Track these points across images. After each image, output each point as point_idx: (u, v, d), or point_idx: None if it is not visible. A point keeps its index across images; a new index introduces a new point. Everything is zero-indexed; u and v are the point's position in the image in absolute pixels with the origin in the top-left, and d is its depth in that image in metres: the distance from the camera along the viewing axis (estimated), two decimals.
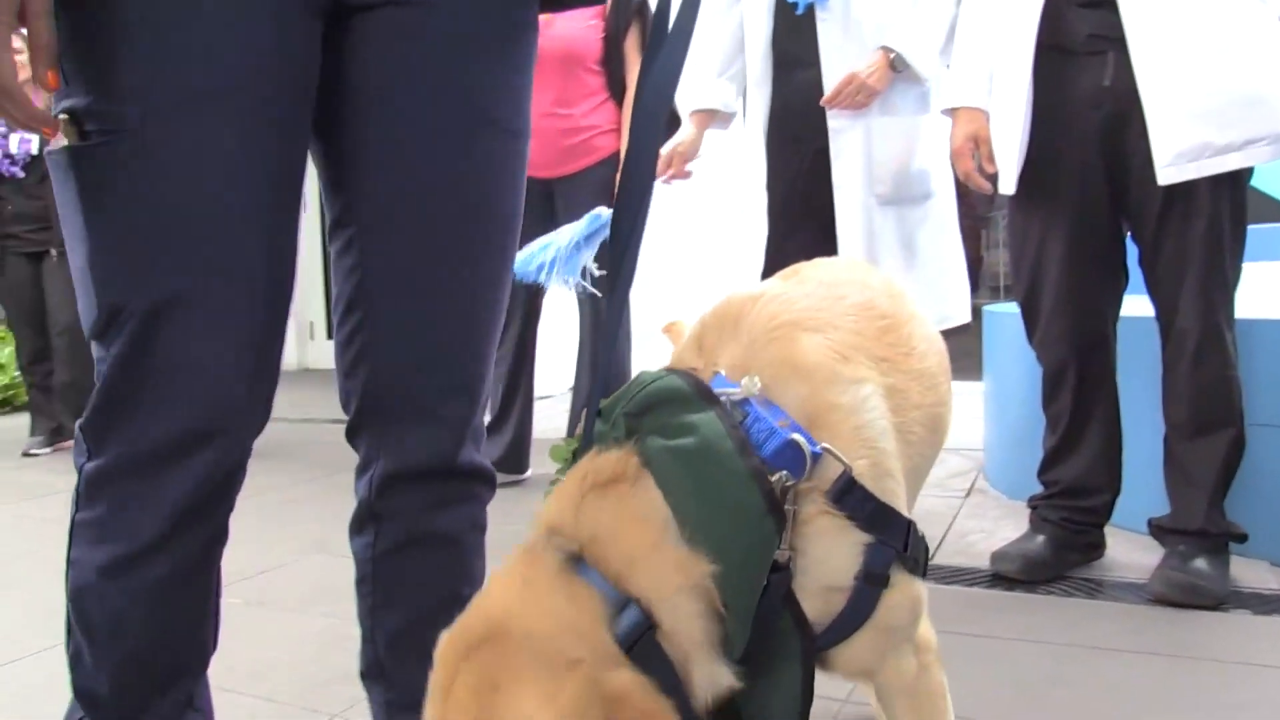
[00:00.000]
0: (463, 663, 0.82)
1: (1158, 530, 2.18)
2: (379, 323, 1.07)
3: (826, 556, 0.90)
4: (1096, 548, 2.33)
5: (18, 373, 5.08)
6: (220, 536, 1.05)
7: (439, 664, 0.83)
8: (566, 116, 3.19)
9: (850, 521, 0.91)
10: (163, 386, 0.95)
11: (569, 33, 3.15)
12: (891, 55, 2.46)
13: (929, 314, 2.50)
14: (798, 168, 2.54)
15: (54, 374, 4.54)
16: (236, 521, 1.07)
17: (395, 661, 1.15)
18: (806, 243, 2.42)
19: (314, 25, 1.00)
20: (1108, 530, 2.37)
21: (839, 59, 2.46)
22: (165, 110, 0.89)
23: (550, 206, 3.24)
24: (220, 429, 0.97)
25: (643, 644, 0.81)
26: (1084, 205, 2.16)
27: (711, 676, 0.85)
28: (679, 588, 0.84)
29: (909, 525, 0.94)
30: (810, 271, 1.22)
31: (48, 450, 4.51)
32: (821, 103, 2.47)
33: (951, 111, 2.33)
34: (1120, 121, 2.07)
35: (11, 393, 5.97)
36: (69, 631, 1.04)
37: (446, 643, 0.84)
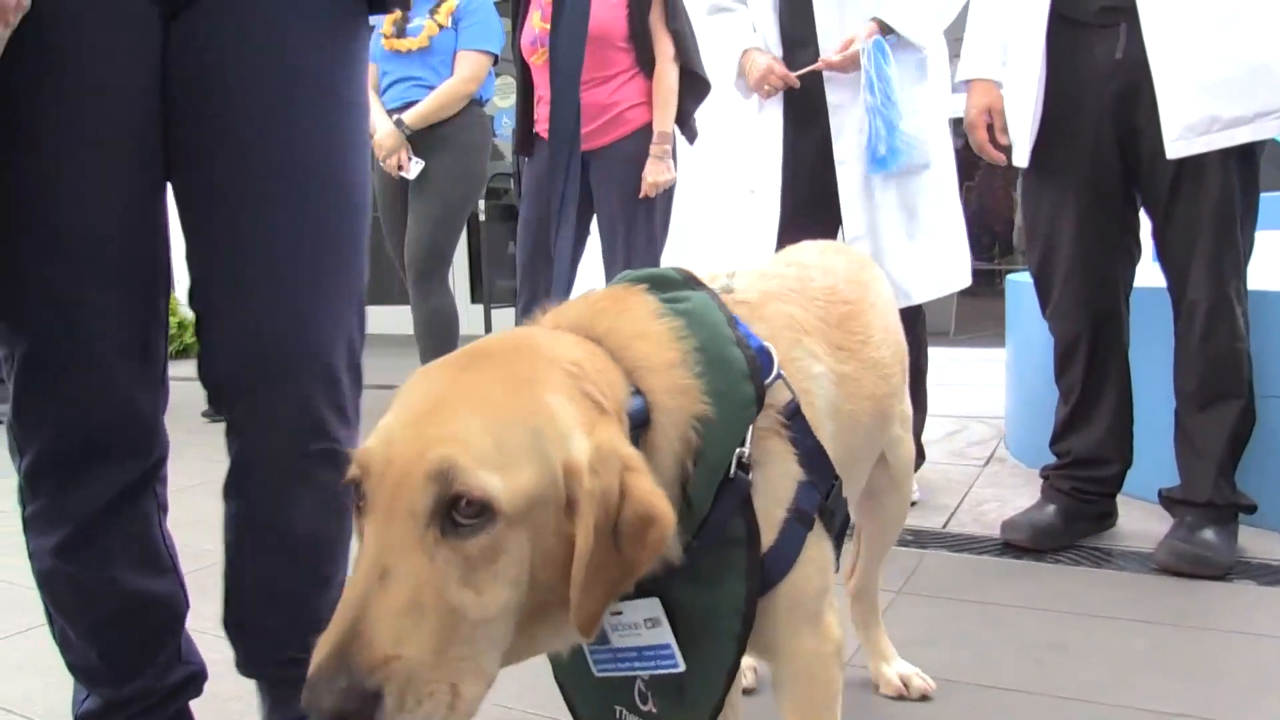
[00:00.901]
0: (484, 360, 0.81)
1: (1167, 501, 2.21)
2: (223, 300, 1.11)
3: (771, 478, 0.93)
4: (1107, 517, 2.36)
5: None
6: (158, 508, 1.14)
7: (432, 368, 0.82)
8: (597, 92, 3.24)
9: (793, 450, 0.94)
10: (60, 397, 1.01)
11: (595, 14, 3.18)
12: (881, 25, 2.46)
13: (930, 282, 2.53)
14: (808, 147, 2.56)
15: None
16: None
17: (255, 615, 1.23)
18: (817, 221, 2.45)
19: (144, 27, 1.02)
20: (1120, 500, 2.40)
21: (837, 37, 2.47)
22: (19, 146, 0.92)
23: (585, 178, 3.29)
24: (118, 439, 1.05)
25: (641, 439, 0.82)
26: (1096, 177, 2.17)
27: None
28: (679, 408, 0.86)
29: (836, 481, 0.98)
30: (788, 254, 1.27)
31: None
32: (815, 66, 2.48)
33: (966, 83, 2.35)
34: (1132, 94, 2.07)
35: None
36: (50, 619, 1.14)
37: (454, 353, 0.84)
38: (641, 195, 3.22)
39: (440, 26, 3.61)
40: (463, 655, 0.71)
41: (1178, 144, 1.99)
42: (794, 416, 0.95)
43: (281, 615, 1.22)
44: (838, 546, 1.04)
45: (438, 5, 3.64)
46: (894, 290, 2.05)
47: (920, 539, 2.41)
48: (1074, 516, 2.31)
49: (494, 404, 0.76)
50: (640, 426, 0.84)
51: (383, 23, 3.69)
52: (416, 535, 0.71)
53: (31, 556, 1.10)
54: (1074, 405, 2.31)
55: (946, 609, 1.99)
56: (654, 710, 0.95)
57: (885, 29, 2.44)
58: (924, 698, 1.60)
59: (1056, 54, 2.14)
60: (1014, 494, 2.71)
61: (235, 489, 1.18)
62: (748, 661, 1.55)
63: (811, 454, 0.95)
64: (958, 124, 2.49)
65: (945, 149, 2.57)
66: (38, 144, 0.94)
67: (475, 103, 3.74)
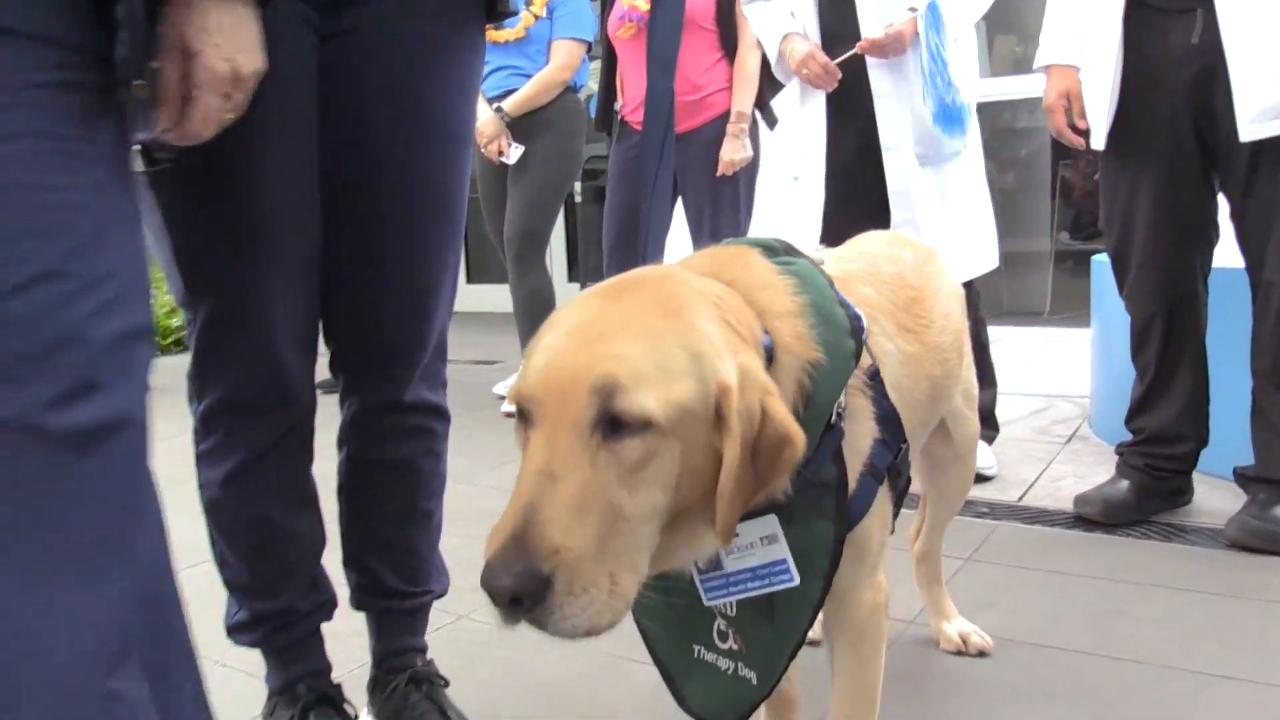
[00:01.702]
0: (637, 287, 0.90)
1: (1242, 478, 2.25)
2: (356, 300, 1.33)
3: (854, 432, 1.02)
4: (1181, 494, 2.40)
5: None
6: (306, 455, 1.35)
7: (587, 295, 0.90)
8: (683, 77, 3.35)
9: (872, 409, 1.05)
10: (232, 357, 1.22)
11: None
12: (918, 15, 2.52)
13: (964, 264, 2.61)
14: (851, 136, 2.65)
15: None
16: None
17: (365, 555, 1.44)
18: (863, 212, 2.52)
19: (311, 51, 1.20)
20: (1199, 478, 2.43)
21: (877, 30, 2.55)
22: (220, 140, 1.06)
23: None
24: (276, 393, 1.26)
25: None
26: (1173, 161, 2.21)
27: None
28: (798, 353, 0.94)
29: (905, 444, 1.10)
30: (855, 243, 1.39)
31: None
32: (858, 47, 2.56)
33: (1045, 69, 2.40)
34: (1208, 78, 2.10)
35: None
36: (212, 542, 1.36)
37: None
38: (719, 174, 3.34)
39: (536, 17, 3.78)
40: (620, 550, 0.80)
41: (1251, 127, 2.02)
42: (874, 378, 1.06)
43: (386, 552, 1.42)
44: (897, 510, 1.17)
45: None
46: None
47: (995, 511, 2.49)
48: (1147, 493, 2.36)
49: (651, 326, 0.85)
50: (765, 366, 0.93)
51: None
52: (581, 443, 0.80)
53: (201, 488, 1.31)
54: (1149, 384, 2.36)
55: (1012, 576, 2.09)
56: (735, 647, 1.05)
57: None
58: (981, 654, 1.71)
59: (1133, 39, 2.18)
60: (1092, 471, 2.76)
61: (349, 438, 1.41)
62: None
63: (887, 415, 1.06)
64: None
65: (975, 136, 2.66)
66: (229, 152, 1.10)
67: (570, 89, 3.90)
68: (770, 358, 0.93)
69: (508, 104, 3.74)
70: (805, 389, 0.95)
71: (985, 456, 2.75)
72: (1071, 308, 5.95)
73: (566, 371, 0.82)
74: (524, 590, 0.76)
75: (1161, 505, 2.38)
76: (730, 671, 1.04)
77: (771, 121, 3.48)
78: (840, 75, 2.62)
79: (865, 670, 1.13)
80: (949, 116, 2.54)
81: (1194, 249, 2.28)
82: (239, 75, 0.98)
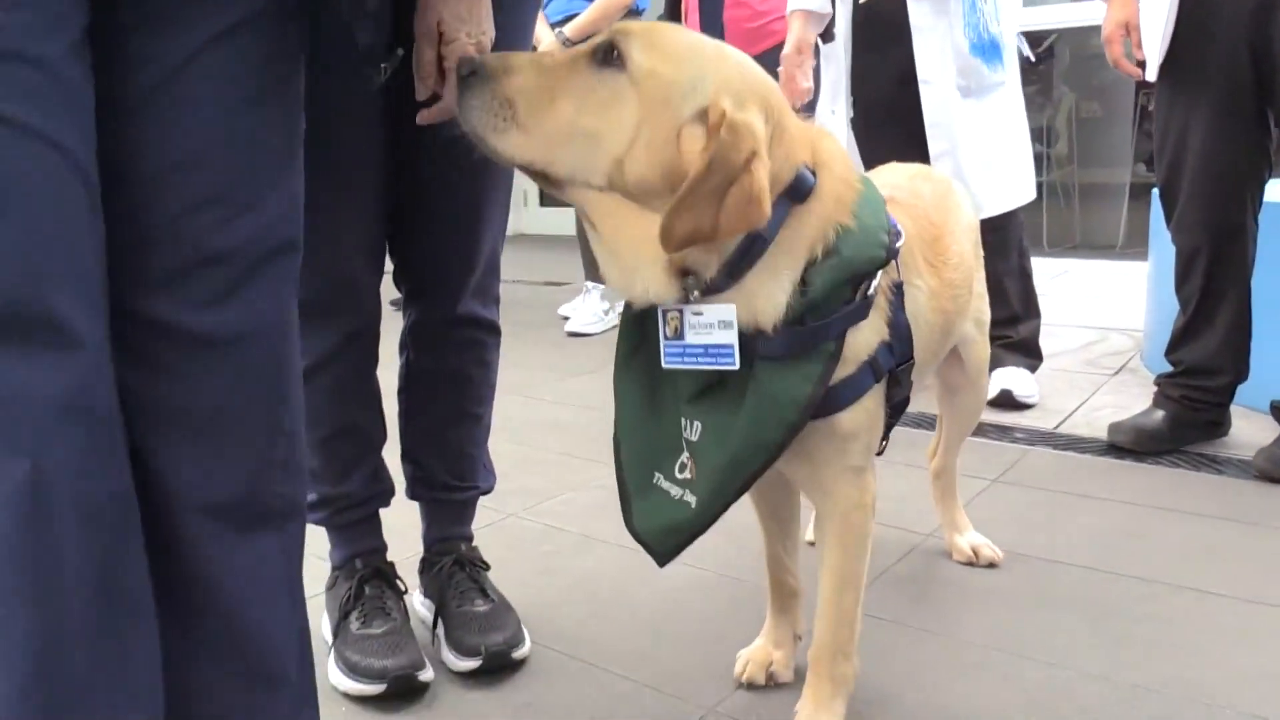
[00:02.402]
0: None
1: (1276, 411, 2.27)
2: (414, 224, 1.48)
3: (864, 326, 1.12)
4: (1216, 426, 2.43)
5: None
6: (372, 359, 1.50)
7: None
8: (746, 5, 3.39)
9: (888, 313, 1.15)
10: (315, 269, 1.32)
11: None
12: None
13: (1002, 196, 2.62)
14: (887, 69, 2.66)
15: None
16: None
17: (419, 451, 1.60)
18: (895, 144, 2.53)
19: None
20: (1237, 411, 2.46)
21: None
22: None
23: None
24: (348, 300, 1.42)
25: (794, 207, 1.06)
26: (1228, 93, 2.20)
27: (788, 280, 1.06)
28: (832, 205, 1.08)
29: (910, 360, 1.20)
30: (878, 175, 1.46)
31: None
32: None
33: None
34: (1269, 9, 2.07)
35: None
36: None
37: None
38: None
39: None
40: (542, 130, 1.00)
41: None
42: (897, 291, 1.17)
43: (437, 449, 1.57)
44: (891, 424, 1.27)
45: None
46: (974, 203, 2.24)
47: (1029, 437, 2.56)
48: (1181, 423, 2.40)
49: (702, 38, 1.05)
50: (799, 199, 1.06)
51: None
52: (584, 59, 1.01)
53: None
54: (1190, 317, 2.38)
55: (1034, 498, 2.17)
56: (689, 476, 1.14)
57: None
58: (991, 565, 1.81)
59: None
60: (1134, 402, 2.78)
61: (408, 346, 1.56)
62: None
63: (899, 325, 1.17)
64: None
65: (1014, 67, 2.66)
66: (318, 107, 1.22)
67: (633, 12, 3.93)
68: (801, 195, 1.06)
69: (569, 28, 3.79)
70: (828, 241, 1.07)
71: (1026, 385, 2.80)
72: (1142, 241, 5.84)
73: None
74: (478, 66, 1.00)
75: (1196, 436, 2.42)
76: (678, 498, 1.14)
77: None
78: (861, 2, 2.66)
79: (849, 563, 1.24)
80: (986, 48, 2.54)
81: (1244, 183, 2.27)
82: (483, 50, 1.16)
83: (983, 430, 2.63)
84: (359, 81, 1.22)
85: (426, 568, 1.62)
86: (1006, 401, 2.78)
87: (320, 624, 1.52)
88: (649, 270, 1.04)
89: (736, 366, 1.07)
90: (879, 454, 1.26)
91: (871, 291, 1.11)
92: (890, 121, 2.68)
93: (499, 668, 1.49)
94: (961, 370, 1.71)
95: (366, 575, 1.52)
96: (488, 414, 1.62)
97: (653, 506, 1.16)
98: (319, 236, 1.30)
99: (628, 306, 1.18)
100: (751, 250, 1.04)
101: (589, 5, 3.81)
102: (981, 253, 1.69)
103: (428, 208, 1.45)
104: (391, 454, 1.61)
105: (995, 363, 2.88)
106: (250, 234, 0.94)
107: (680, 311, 1.07)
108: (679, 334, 1.08)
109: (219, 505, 0.96)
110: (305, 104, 1.04)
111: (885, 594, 1.71)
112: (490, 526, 2.04)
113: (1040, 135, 6.09)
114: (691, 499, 1.12)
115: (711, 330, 1.06)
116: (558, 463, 2.46)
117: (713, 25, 3.49)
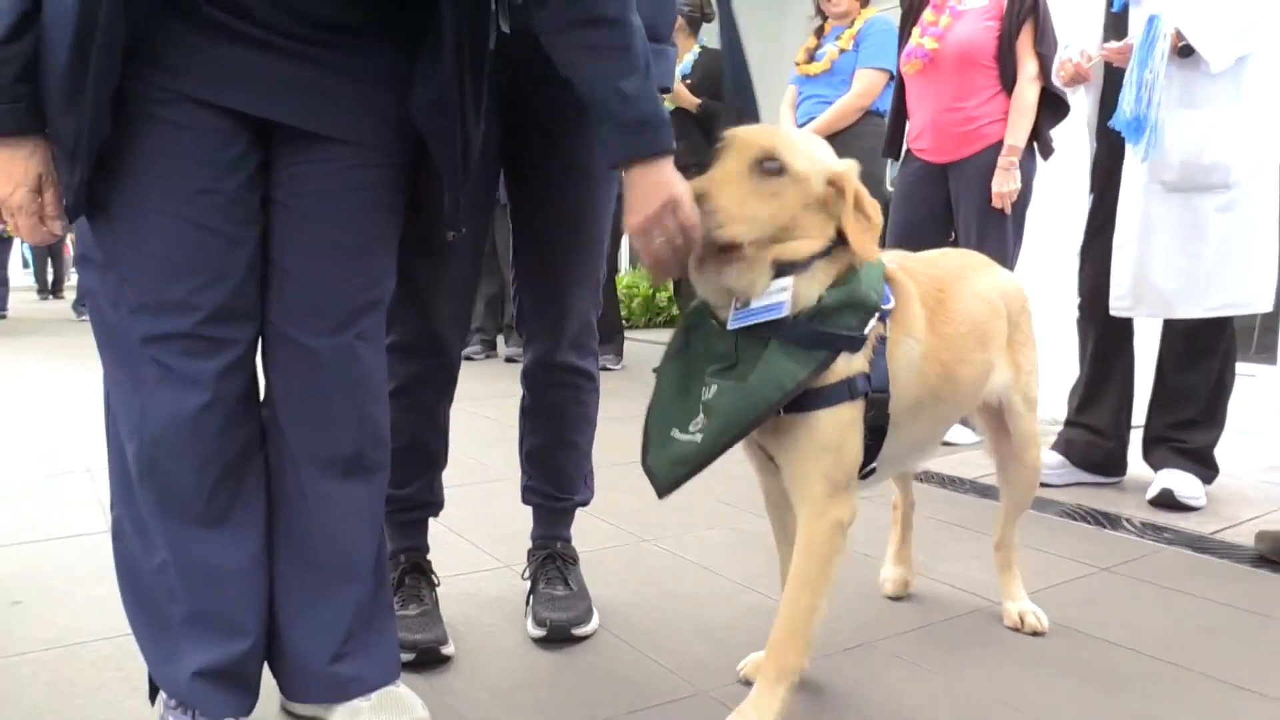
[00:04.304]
0: None
1: None
2: (523, 272, 1.92)
3: (853, 358, 1.46)
4: None
5: None
6: (444, 395, 1.91)
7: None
8: (960, 109, 3.59)
9: (871, 356, 1.48)
10: (407, 320, 1.79)
11: (967, 34, 3.54)
12: (1178, 37, 2.55)
13: (1207, 300, 2.62)
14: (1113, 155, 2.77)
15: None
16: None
17: (531, 466, 2.01)
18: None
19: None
20: None
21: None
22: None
23: (945, 187, 3.68)
24: (429, 346, 1.84)
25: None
26: None
27: (820, 286, 1.45)
28: (863, 252, 1.47)
29: (886, 395, 1.49)
30: (926, 254, 1.79)
31: (481, 356, 6.14)
32: (1100, 55, 2.70)
33: None
34: None
35: None
36: None
37: None
38: (994, 206, 3.51)
39: (841, 50, 4.19)
40: (751, 219, 1.42)
41: None
42: (881, 343, 1.50)
43: (541, 465, 2.00)
44: (870, 453, 1.52)
45: (843, 32, 4.22)
46: (1156, 300, 2.44)
47: (1178, 539, 2.53)
48: None
49: (816, 140, 1.54)
50: (843, 241, 1.47)
51: (798, 51, 4.37)
52: (744, 169, 1.43)
53: None
54: None
55: (1130, 586, 2.19)
56: (700, 427, 1.46)
57: (1180, 44, 2.57)
58: (1035, 634, 1.92)
59: None
60: None
61: (524, 382, 2.01)
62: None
63: (879, 368, 1.49)
64: None
65: (1260, 172, 2.62)
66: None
67: (873, 114, 4.24)
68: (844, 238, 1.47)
69: (809, 129, 4.19)
70: (843, 275, 1.48)
71: (1190, 486, 2.75)
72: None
73: (745, 138, 1.46)
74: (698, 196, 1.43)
75: None
76: (688, 440, 1.47)
77: (1047, 152, 3.59)
78: (1089, 76, 2.79)
79: (808, 565, 1.47)
80: (1130, 125, 2.61)
81: None
82: (686, 231, 1.49)
83: (1120, 524, 2.64)
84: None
85: (530, 558, 2.06)
86: (1167, 501, 2.74)
87: None
88: (764, 275, 1.45)
89: (785, 313, 1.43)
90: (864, 476, 1.54)
91: (867, 332, 1.46)
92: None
93: (561, 639, 1.88)
94: (1008, 441, 1.88)
95: (408, 568, 1.93)
96: (585, 441, 2.02)
97: (666, 449, 1.51)
98: (414, 300, 1.78)
99: (687, 319, 1.59)
100: (812, 261, 1.46)
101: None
102: (1032, 334, 1.87)
103: (529, 276, 1.92)
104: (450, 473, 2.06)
105: (1162, 463, 2.85)
106: (354, 293, 1.45)
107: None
108: (746, 305, 1.47)
109: (329, 460, 1.46)
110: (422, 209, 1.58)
111: (924, 643, 1.90)
112: (621, 547, 2.44)
113: None
114: (699, 438, 1.47)
115: (773, 294, 1.45)
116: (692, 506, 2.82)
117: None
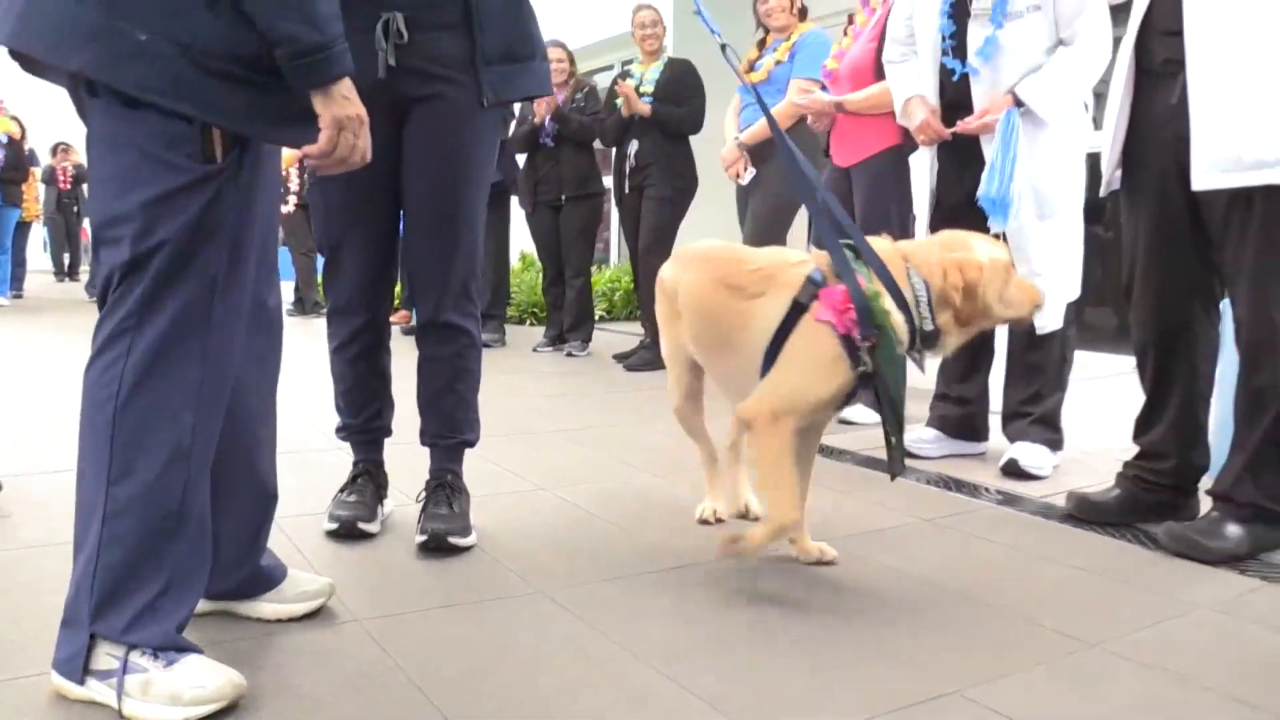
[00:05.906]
0: None
1: (1209, 493, 2.47)
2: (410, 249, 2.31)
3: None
4: (1174, 508, 2.60)
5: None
6: (379, 343, 2.36)
7: None
8: (853, 120, 3.99)
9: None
10: (335, 283, 2.25)
11: (857, 53, 3.97)
12: (1016, 98, 2.96)
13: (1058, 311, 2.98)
14: (961, 186, 3.14)
15: (563, 294, 6.36)
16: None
17: (424, 412, 2.41)
18: None
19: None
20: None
21: (985, 103, 3.03)
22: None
23: (849, 186, 4.07)
24: (361, 303, 2.29)
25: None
26: (1163, 206, 2.50)
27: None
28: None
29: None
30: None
31: (549, 349, 6.44)
32: (959, 128, 3.07)
33: None
34: (1186, 134, 2.39)
35: (535, 309, 8.23)
36: (335, 384, 2.43)
37: None
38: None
39: (778, 61, 4.56)
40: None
41: (1201, 177, 2.30)
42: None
43: (433, 410, 2.39)
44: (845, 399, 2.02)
45: (780, 44, 4.59)
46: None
47: (1005, 499, 2.89)
48: (1132, 501, 2.63)
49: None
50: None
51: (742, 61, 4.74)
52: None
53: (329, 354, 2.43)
54: (1146, 404, 2.64)
55: (939, 534, 2.56)
56: None
57: (1019, 101, 2.95)
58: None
59: (1136, 98, 2.52)
60: None
61: (417, 339, 2.40)
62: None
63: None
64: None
65: (1068, 200, 3.06)
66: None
67: (803, 120, 4.60)
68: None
69: (744, 134, 4.57)
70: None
71: (1036, 456, 3.11)
72: None
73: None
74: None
75: (1147, 515, 2.63)
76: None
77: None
78: (950, 138, 3.15)
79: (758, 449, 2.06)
80: (992, 204, 3.00)
81: (1187, 286, 2.53)
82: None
83: (962, 487, 3.00)
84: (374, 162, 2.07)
85: (425, 488, 2.45)
86: (1013, 470, 3.10)
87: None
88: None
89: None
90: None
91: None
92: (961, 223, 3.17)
93: (438, 548, 2.27)
94: None
95: (360, 472, 2.41)
96: (467, 390, 2.41)
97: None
98: (343, 264, 2.21)
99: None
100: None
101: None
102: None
103: (416, 245, 2.30)
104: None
105: (1017, 436, 3.21)
106: None
107: None
108: None
109: None
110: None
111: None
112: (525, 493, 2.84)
113: None
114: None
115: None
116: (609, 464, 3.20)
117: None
